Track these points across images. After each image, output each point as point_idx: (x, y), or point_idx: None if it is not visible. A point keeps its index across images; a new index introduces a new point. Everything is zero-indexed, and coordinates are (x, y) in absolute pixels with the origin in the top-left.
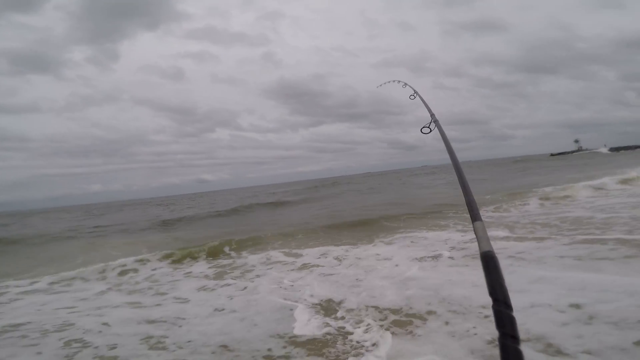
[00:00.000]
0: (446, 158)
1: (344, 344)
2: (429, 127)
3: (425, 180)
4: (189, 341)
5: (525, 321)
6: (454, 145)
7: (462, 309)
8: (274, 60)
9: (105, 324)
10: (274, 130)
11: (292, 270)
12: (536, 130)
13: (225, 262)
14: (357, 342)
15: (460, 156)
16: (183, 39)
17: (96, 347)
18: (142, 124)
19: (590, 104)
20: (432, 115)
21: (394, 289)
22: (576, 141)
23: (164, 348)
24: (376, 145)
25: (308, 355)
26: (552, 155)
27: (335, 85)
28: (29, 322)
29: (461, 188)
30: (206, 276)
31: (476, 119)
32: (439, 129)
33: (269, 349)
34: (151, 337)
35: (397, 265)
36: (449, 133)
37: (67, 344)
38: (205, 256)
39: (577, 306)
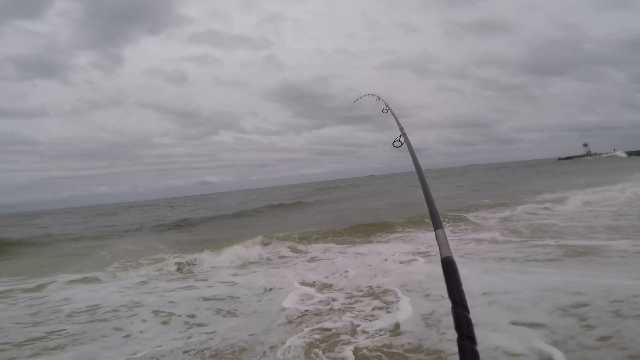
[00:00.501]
0: (449, 162)
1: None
2: (399, 141)
3: (432, 183)
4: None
5: (443, 304)
6: (459, 148)
7: (412, 288)
8: (276, 63)
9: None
10: (277, 133)
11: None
12: (543, 133)
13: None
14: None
15: (465, 160)
16: (186, 42)
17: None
18: (147, 127)
19: (598, 106)
20: (401, 129)
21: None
22: (585, 145)
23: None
24: (379, 148)
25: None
26: (559, 159)
27: (338, 87)
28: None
29: (425, 198)
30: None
31: (481, 121)
32: (407, 143)
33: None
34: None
35: (385, 260)
36: (453, 136)
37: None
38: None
39: (486, 294)
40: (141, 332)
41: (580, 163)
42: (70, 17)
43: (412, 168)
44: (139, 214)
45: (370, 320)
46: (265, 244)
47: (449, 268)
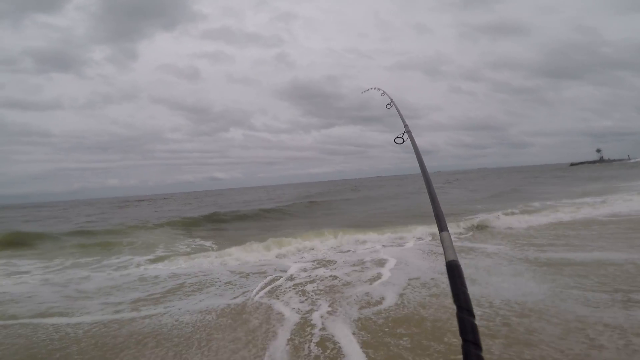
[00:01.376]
0: (458, 164)
1: None
2: (402, 138)
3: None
4: None
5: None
6: (469, 151)
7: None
8: (287, 61)
9: None
10: (286, 131)
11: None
12: (556, 138)
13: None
14: None
15: (475, 163)
16: (199, 39)
17: None
18: (159, 122)
19: (614, 111)
20: (405, 125)
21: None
22: (598, 150)
23: None
24: (388, 149)
25: None
26: (572, 164)
27: (349, 87)
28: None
29: (430, 200)
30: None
31: (493, 124)
32: (411, 140)
33: None
34: None
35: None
36: (463, 139)
37: None
38: None
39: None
40: None
41: (596, 169)
42: (87, 11)
43: (416, 170)
44: (183, 206)
45: None
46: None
47: (454, 272)
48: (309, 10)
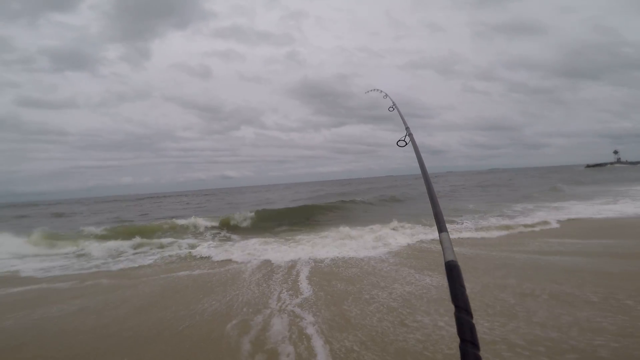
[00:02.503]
0: (470, 165)
1: None
2: (404, 141)
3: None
4: None
5: None
6: (482, 152)
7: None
8: (297, 60)
9: None
10: (297, 130)
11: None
12: (572, 139)
13: None
14: None
15: (487, 164)
16: (210, 37)
17: None
18: (171, 121)
19: (633, 112)
20: (407, 128)
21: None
22: (615, 152)
23: None
24: (399, 149)
25: None
26: (588, 166)
27: (360, 86)
28: None
29: (430, 200)
30: None
31: (507, 125)
32: (412, 144)
33: None
34: None
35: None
36: (476, 139)
37: None
38: None
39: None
40: None
41: (613, 171)
42: (101, 10)
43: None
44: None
45: None
46: None
47: (453, 272)
48: (320, 9)
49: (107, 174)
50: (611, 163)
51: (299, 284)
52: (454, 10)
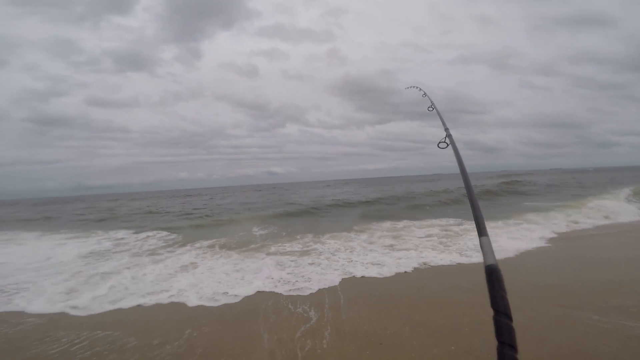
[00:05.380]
0: (529, 164)
1: None
2: (445, 142)
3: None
4: None
5: None
6: (542, 150)
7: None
8: (339, 57)
9: None
10: (340, 127)
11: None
12: None
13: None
14: None
15: (549, 163)
16: (255, 36)
17: None
18: (222, 119)
19: None
20: (446, 129)
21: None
22: None
23: None
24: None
25: None
26: None
27: (405, 82)
28: None
29: (469, 203)
30: None
31: (572, 122)
32: (452, 145)
33: None
34: None
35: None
36: (534, 136)
37: None
38: None
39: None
40: None
41: None
42: (154, 12)
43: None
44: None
45: None
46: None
47: (493, 276)
48: (359, 5)
49: (165, 169)
50: None
51: None
52: (505, 3)
